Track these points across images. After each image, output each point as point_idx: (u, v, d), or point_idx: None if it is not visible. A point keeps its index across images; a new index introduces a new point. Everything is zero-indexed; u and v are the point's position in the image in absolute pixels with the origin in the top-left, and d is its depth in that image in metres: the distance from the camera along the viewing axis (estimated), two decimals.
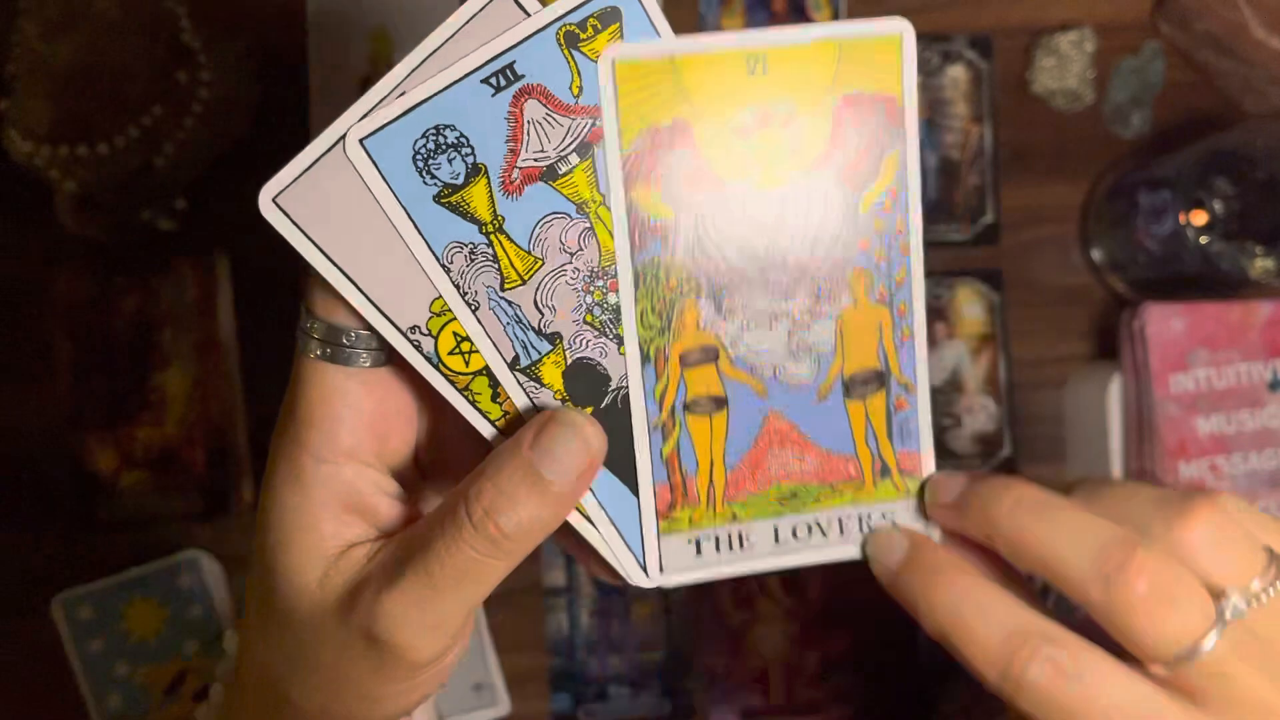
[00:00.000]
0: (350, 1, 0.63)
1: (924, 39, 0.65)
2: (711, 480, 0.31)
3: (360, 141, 0.25)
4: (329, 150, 0.26)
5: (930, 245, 0.65)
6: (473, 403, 0.28)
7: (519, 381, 0.28)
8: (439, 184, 0.27)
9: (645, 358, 0.29)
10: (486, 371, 0.28)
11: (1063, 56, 0.64)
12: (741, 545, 0.31)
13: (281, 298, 0.62)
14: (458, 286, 0.27)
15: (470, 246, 0.27)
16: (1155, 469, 0.58)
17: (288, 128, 0.62)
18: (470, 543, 0.25)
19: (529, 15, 0.27)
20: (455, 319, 0.28)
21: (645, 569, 0.30)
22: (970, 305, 0.64)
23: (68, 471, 0.59)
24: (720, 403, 0.30)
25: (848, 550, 0.33)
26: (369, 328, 0.27)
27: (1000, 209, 0.65)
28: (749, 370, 0.30)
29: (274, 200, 0.27)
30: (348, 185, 0.27)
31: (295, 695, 0.28)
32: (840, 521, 0.33)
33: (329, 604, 0.27)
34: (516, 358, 0.28)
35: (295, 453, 0.27)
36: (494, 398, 0.28)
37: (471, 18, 0.26)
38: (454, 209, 0.27)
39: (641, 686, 0.63)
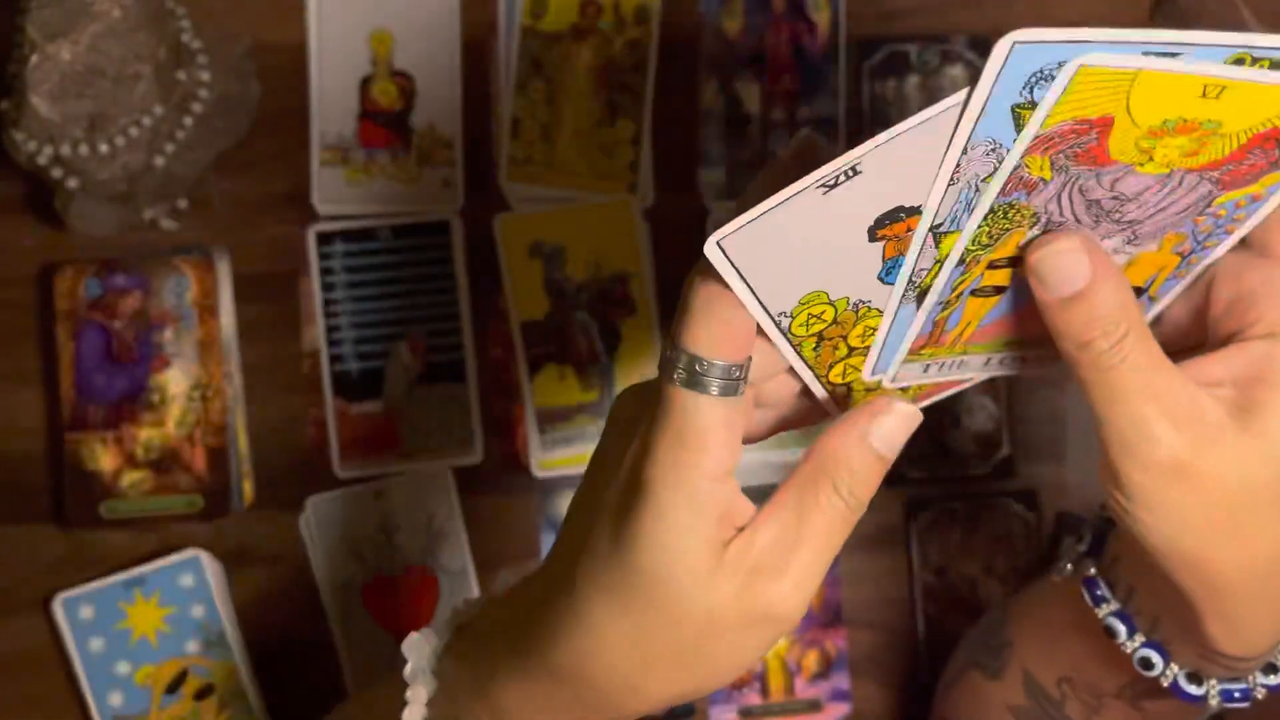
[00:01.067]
0: (350, 2, 0.63)
1: (923, 39, 0.65)
2: (962, 333, 0.36)
3: (1013, 43, 0.27)
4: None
5: None
6: (799, 353, 0.33)
7: (924, 239, 0.32)
8: (1027, 99, 0.28)
9: (961, 262, 0.33)
10: (819, 335, 0.33)
11: None
12: (958, 368, 0.37)
13: (280, 297, 0.62)
14: (959, 165, 0.29)
15: (995, 145, 0.29)
16: None
17: (287, 127, 0.63)
18: (843, 517, 0.33)
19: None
20: (814, 305, 0.32)
21: (880, 375, 0.36)
22: None
23: (68, 471, 0.59)
24: (1001, 290, 0.35)
25: (1043, 367, 0.38)
26: (736, 364, 0.32)
27: None
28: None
29: (718, 244, 0.30)
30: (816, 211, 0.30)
31: (650, 683, 0.33)
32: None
33: (726, 600, 0.32)
34: (941, 224, 0.31)
35: (689, 475, 0.31)
36: (815, 348, 0.34)
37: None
38: (1016, 119, 0.29)
39: None
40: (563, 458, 0.62)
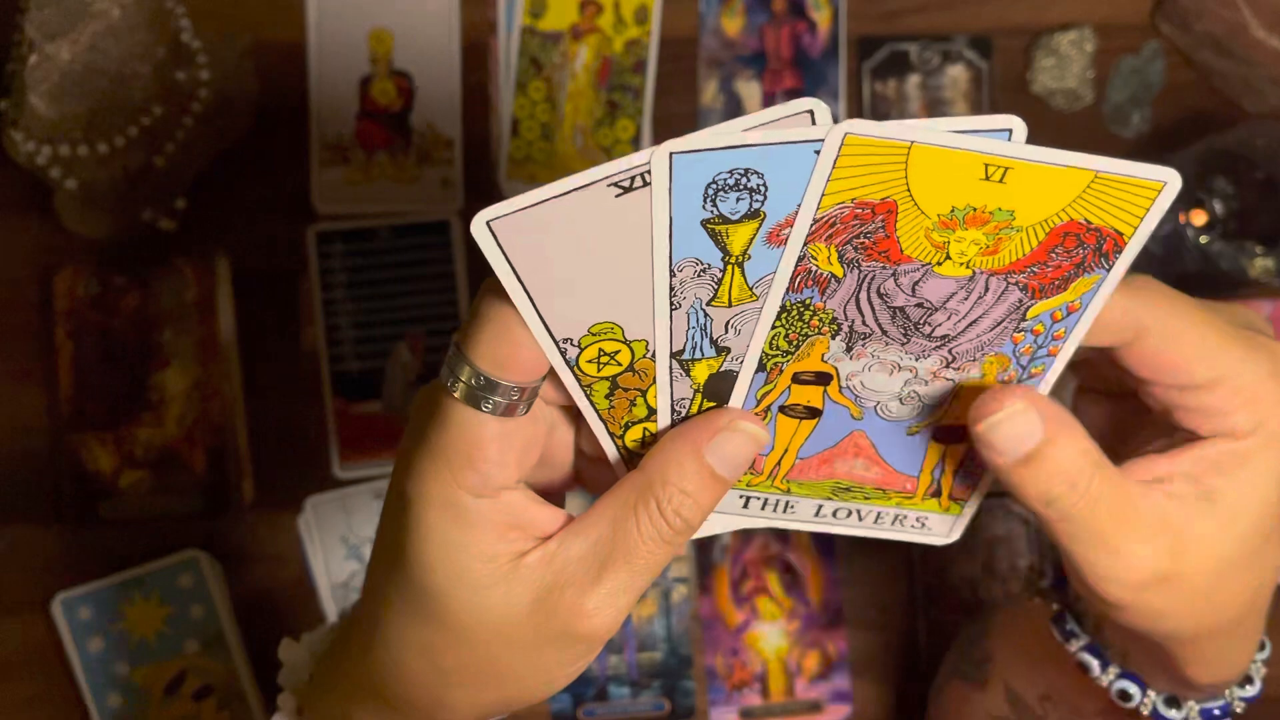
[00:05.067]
0: (350, 1, 0.63)
1: (924, 39, 0.65)
2: (779, 463, 0.33)
3: (670, 154, 0.25)
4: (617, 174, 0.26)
5: None
6: (589, 398, 0.30)
7: (670, 366, 0.30)
8: (714, 213, 0.27)
9: (761, 368, 0.31)
10: (611, 380, 0.30)
11: (1062, 57, 0.65)
12: (785, 510, 0.34)
13: (280, 297, 0.62)
14: (673, 288, 0.28)
15: (705, 266, 0.28)
16: None
17: (287, 127, 0.63)
18: (666, 539, 0.30)
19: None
20: (606, 340, 0.29)
21: None
22: None
23: (68, 471, 0.59)
24: (815, 412, 0.32)
25: (877, 533, 0.36)
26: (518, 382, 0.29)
27: None
28: (854, 399, 0.32)
29: (488, 224, 0.27)
30: (581, 211, 0.27)
31: (454, 697, 0.32)
32: (878, 514, 0.35)
33: (519, 614, 0.30)
34: (682, 350, 0.29)
35: (451, 493, 0.29)
36: (607, 395, 0.30)
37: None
38: (714, 236, 0.27)
39: (641, 686, 0.63)
40: None
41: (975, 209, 0.27)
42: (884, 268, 0.29)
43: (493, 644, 0.30)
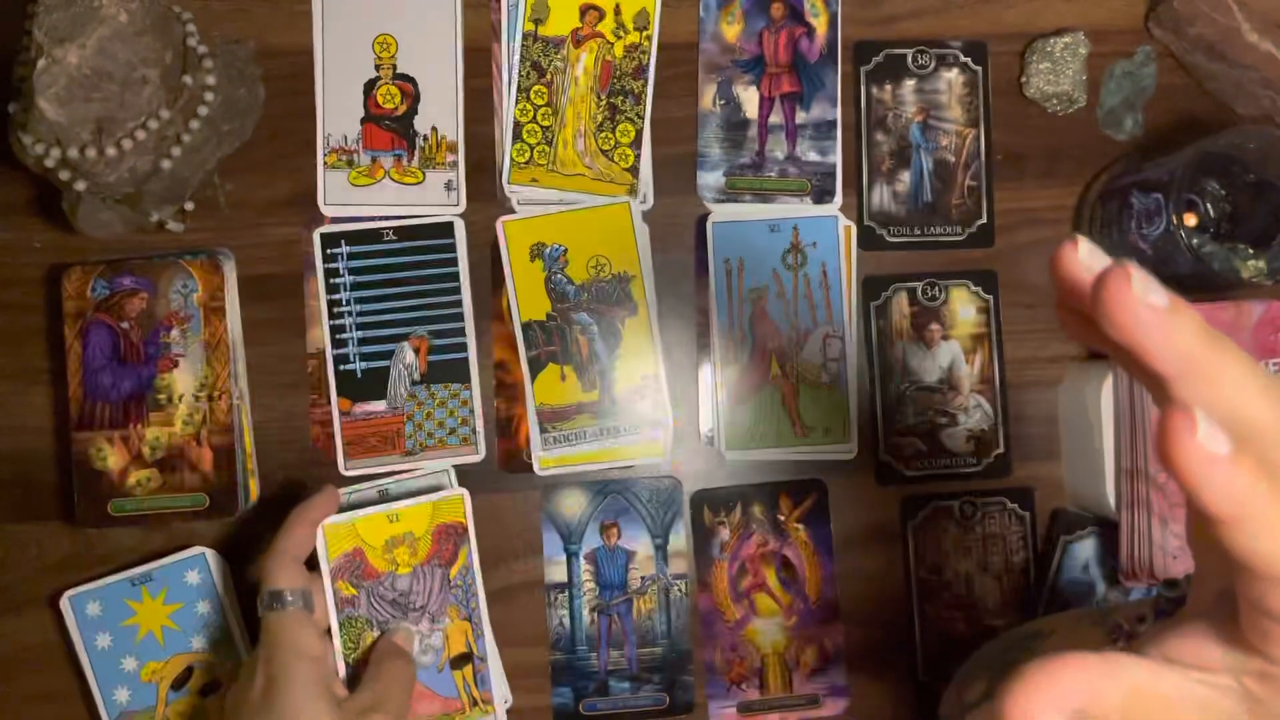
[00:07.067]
0: (355, 6, 0.63)
1: (920, 44, 0.65)
2: None
3: None
4: None
5: (926, 247, 0.65)
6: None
7: None
8: None
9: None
10: None
11: (1057, 61, 0.65)
12: None
13: (286, 298, 0.63)
14: None
15: None
16: (1148, 468, 0.59)
17: (293, 131, 0.63)
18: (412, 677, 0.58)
19: None
20: None
21: None
22: (965, 306, 0.65)
23: (76, 470, 0.59)
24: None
25: None
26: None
27: (994, 211, 0.65)
28: None
29: None
30: None
31: None
32: None
33: None
34: None
35: (309, 669, 0.52)
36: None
37: None
38: None
39: (642, 681, 0.63)
40: (564, 456, 0.63)
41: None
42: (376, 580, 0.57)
43: None
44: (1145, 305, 0.23)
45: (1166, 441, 0.22)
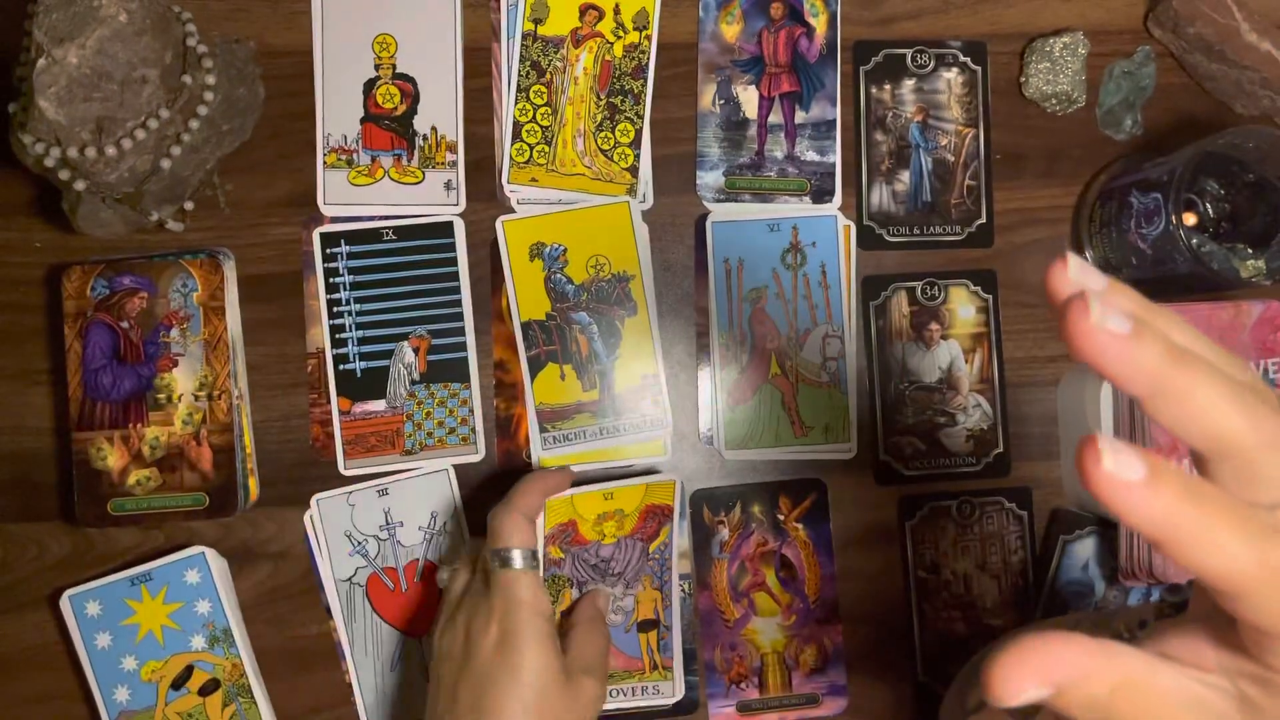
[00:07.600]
0: (355, 6, 0.63)
1: (919, 44, 0.66)
2: None
3: None
4: None
5: (925, 247, 0.65)
6: None
7: None
8: None
9: None
10: None
11: (1056, 60, 0.65)
12: None
13: (286, 298, 0.63)
14: None
15: None
16: None
17: (293, 130, 0.63)
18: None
19: None
20: None
21: None
22: (964, 305, 0.65)
23: (76, 469, 0.59)
24: None
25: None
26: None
27: (993, 211, 0.66)
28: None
29: None
30: None
31: None
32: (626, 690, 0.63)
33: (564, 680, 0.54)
34: None
35: (542, 626, 0.53)
36: None
37: None
38: None
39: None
40: (563, 456, 0.63)
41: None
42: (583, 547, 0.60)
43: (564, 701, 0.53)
44: (1104, 332, 0.24)
45: (1081, 474, 0.23)
